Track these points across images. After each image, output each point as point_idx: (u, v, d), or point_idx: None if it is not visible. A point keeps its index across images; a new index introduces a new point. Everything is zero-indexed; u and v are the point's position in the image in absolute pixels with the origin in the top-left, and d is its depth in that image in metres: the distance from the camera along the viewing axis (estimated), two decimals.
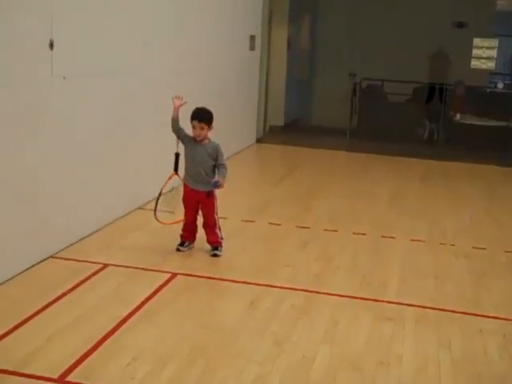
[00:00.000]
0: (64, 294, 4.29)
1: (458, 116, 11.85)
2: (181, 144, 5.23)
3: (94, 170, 5.48)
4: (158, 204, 5.22)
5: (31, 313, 3.98)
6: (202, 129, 5.11)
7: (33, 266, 4.69)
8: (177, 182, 5.30)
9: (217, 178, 5.11)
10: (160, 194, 5.25)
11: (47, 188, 4.80)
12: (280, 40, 12.14)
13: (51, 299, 4.19)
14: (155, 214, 5.22)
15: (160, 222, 5.26)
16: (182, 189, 5.29)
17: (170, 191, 5.30)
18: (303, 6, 13.50)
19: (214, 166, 5.17)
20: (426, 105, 12.73)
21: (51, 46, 4.64)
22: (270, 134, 11.80)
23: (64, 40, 4.78)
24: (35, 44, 4.52)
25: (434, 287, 4.92)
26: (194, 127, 5.12)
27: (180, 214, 5.31)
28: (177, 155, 5.23)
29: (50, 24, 4.62)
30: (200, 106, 5.26)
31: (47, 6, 4.58)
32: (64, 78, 4.86)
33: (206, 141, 5.18)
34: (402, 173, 9.25)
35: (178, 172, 5.28)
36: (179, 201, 5.27)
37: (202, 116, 5.11)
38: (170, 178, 5.26)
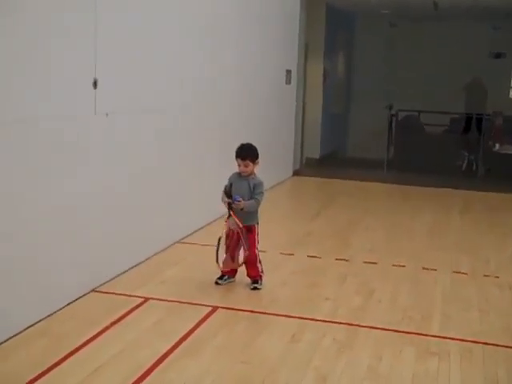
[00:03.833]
0: (106, 329, 4.31)
1: (497, 146, 11.73)
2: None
3: (134, 205, 5.54)
4: (220, 249, 5.14)
5: (74, 348, 4.01)
6: (247, 166, 5.14)
7: (76, 300, 4.73)
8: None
9: (242, 200, 5.07)
10: (220, 239, 5.15)
11: (88, 223, 4.86)
12: (316, 73, 12.23)
13: (93, 334, 4.21)
14: (217, 259, 5.14)
15: (221, 268, 5.21)
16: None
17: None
18: (339, 40, 13.61)
19: None
20: (463, 135, 12.65)
21: (95, 84, 4.74)
22: (306, 167, 11.82)
23: (107, 78, 4.89)
24: (79, 83, 4.63)
25: (479, 320, 4.82)
26: (238, 165, 5.16)
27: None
28: (229, 203, 5.11)
29: (94, 63, 4.73)
30: (241, 140, 5.31)
31: (91, 45, 4.69)
32: (107, 115, 4.95)
33: (252, 176, 5.21)
34: (440, 204, 9.15)
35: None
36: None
37: (246, 154, 5.14)
38: (227, 220, 5.16)
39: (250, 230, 5.20)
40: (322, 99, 12.45)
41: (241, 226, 5.11)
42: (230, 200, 5.09)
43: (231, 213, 5.12)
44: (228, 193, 5.12)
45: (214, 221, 6.86)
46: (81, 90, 4.64)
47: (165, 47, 5.89)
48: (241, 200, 5.06)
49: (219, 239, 5.16)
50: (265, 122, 9.10)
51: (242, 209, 5.08)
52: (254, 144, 5.30)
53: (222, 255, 5.17)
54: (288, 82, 10.23)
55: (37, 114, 4.18)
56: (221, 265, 5.18)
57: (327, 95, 12.79)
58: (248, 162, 5.14)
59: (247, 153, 5.16)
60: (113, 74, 5.00)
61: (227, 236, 5.18)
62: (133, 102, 5.39)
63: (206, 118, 6.98)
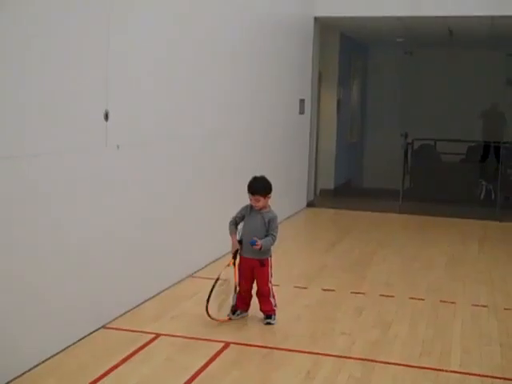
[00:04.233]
0: (117, 366, 4.22)
1: None
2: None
3: (145, 238, 5.47)
4: (212, 296, 4.98)
5: None
6: (258, 201, 5.07)
7: (85, 336, 4.64)
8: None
9: (258, 240, 5.00)
10: (214, 284, 5.02)
11: (99, 257, 4.80)
12: (329, 103, 12.21)
13: (104, 371, 4.12)
14: (207, 308, 4.96)
15: (211, 317, 4.99)
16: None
17: (224, 281, 5.08)
18: (352, 69, 13.60)
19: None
20: (481, 164, 12.52)
21: (106, 117, 4.72)
22: (320, 198, 11.73)
23: (118, 110, 4.87)
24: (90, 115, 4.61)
25: (500, 355, 4.67)
26: (250, 198, 5.10)
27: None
28: (236, 251, 5.13)
29: (106, 95, 4.71)
30: (254, 171, 5.26)
31: (103, 78, 4.69)
32: (118, 146, 4.92)
33: (266, 209, 5.14)
34: (458, 235, 9.01)
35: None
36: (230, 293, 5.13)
37: (256, 189, 5.07)
38: (228, 265, 5.14)
39: (263, 264, 5.12)
40: (336, 128, 12.40)
41: (238, 287, 5.12)
42: (239, 247, 5.10)
43: (234, 262, 5.10)
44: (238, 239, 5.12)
45: (228, 253, 6.77)
46: (92, 123, 4.62)
47: (176, 78, 5.87)
48: (258, 242, 4.98)
49: (214, 284, 5.01)
50: (278, 152, 9.06)
51: (260, 249, 5.00)
52: (268, 175, 5.24)
53: (215, 302, 5.00)
54: (301, 111, 10.20)
55: (47, 147, 4.15)
56: (211, 314, 4.99)
57: (341, 124, 12.75)
58: (258, 196, 5.07)
59: (257, 188, 5.08)
60: (124, 106, 4.98)
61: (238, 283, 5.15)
62: (144, 134, 5.36)
63: (219, 149, 6.94)
